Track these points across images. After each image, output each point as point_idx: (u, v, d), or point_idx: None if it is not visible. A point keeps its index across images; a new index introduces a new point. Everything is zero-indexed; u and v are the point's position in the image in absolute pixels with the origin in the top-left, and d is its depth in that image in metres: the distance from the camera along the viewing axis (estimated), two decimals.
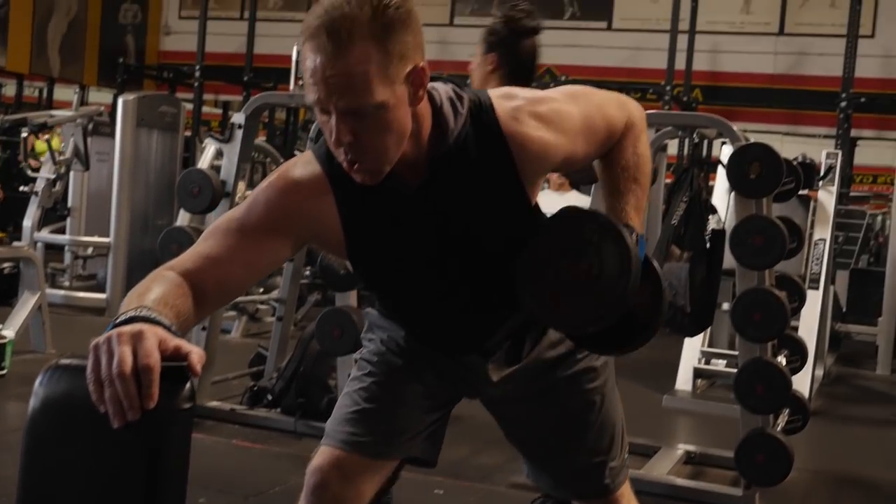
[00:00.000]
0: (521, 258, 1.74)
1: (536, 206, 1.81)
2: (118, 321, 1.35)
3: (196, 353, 1.30)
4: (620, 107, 1.84)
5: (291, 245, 1.70)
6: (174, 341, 1.31)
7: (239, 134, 4.61)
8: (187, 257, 1.61)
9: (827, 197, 6.36)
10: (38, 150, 8.65)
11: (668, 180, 9.39)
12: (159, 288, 1.48)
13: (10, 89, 14.62)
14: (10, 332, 5.39)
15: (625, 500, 2.08)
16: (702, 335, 5.88)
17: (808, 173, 5.18)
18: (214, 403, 4.72)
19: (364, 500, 1.93)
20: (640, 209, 1.81)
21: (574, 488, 2.09)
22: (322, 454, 1.92)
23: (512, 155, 1.69)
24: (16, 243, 6.54)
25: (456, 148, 1.67)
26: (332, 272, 4.35)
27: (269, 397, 4.71)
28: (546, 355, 1.95)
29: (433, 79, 1.69)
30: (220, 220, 1.68)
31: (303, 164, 1.70)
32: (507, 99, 1.72)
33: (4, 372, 5.27)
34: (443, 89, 1.69)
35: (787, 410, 4.20)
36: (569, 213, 1.76)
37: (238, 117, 4.69)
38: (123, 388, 1.24)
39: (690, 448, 4.52)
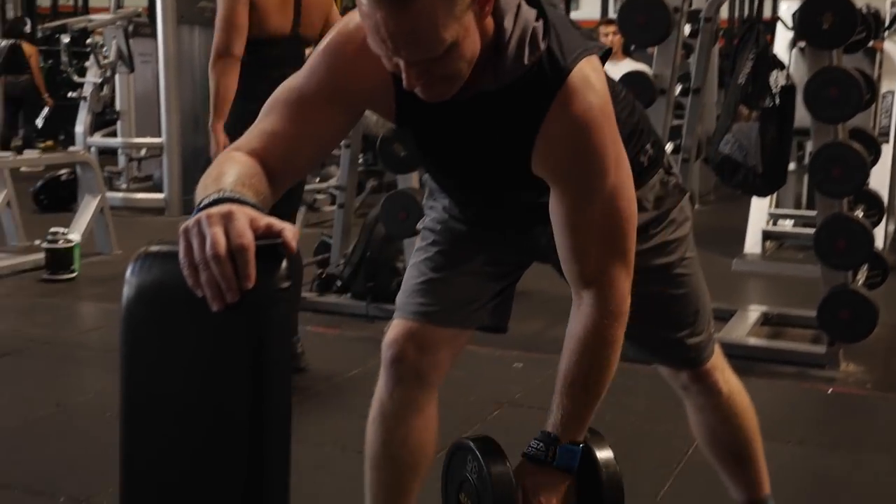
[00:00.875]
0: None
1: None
2: (202, 205, 1.29)
3: (290, 230, 1.25)
4: (626, 264, 1.62)
5: (352, 113, 1.63)
6: (265, 219, 1.26)
7: None
8: (251, 137, 1.55)
9: (893, 48, 6.12)
10: None
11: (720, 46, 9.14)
12: (233, 170, 1.42)
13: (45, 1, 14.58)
14: (76, 236, 5.43)
15: (717, 371, 2.02)
16: (769, 197, 5.76)
17: (876, 23, 4.98)
18: None
19: (442, 369, 1.91)
20: (581, 417, 1.60)
21: (660, 360, 2.05)
22: (395, 327, 1.89)
23: (541, 126, 1.54)
24: (71, 148, 6.53)
25: (504, 87, 1.54)
26: (393, 155, 4.29)
27: (339, 283, 4.70)
28: None
29: (532, 2, 1.56)
30: (279, 91, 1.60)
31: (356, 24, 1.58)
32: (590, 90, 1.53)
33: (75, 274, 5.32)
34: (521, 27, 1.52)
35: (867, 266, 4.11)
36: (465, 441, 1.63)
37: None
38: (220, 270, 1.19)
39: (766, 309, 4.45)
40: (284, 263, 1.25)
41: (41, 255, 5.36)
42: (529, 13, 1.53)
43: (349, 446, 1.96)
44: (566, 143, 1.54)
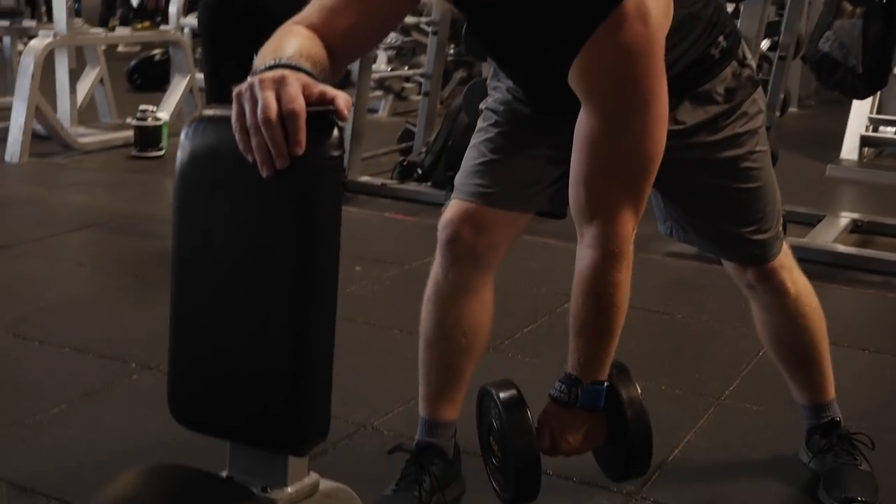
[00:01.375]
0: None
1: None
2: (258, 70, 1.27)
3: (342, 98, 1.22)
4: (635, 210, 1.55)
5: None
6: (318, 86, 1.23)
7: None
8: (311, 11, 1.51)
9: None
10: None
11: None
12: (293, 40, 1.40)
13: None
14: (164, 114, 5.49)
15: (785, 270, 1.96)
16: (870, 100, 5.52)
17: None
18: (365, 178, 4.74)
19: (499, 253, 1.89)
20: (598, 359, 1.58)
21: (725, 255, 1.99)
22: (452, 207, 1.87)
23: (578, 53, 1.49)
24: (163, 27, 6.57)
25: None
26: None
27: (419, 171, 4.69)
28: (684, 119, 1.78)
29: None
30: None
31: None
32: (639, 15, 1.46)
33: (163, 153, 5.41)
34: None
35: None
36: (487, 388, 1.65)
37: None
38: (270, 135, 1.18)
39: (857, 216, 4.31)
40: (336, 131, 1.23)
41: (131, 133, 5.45)
42: None
43: (415, 331, 1.95)
44: (605, 68, 1.49)
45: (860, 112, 5.67)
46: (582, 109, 1.55)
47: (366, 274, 3.46)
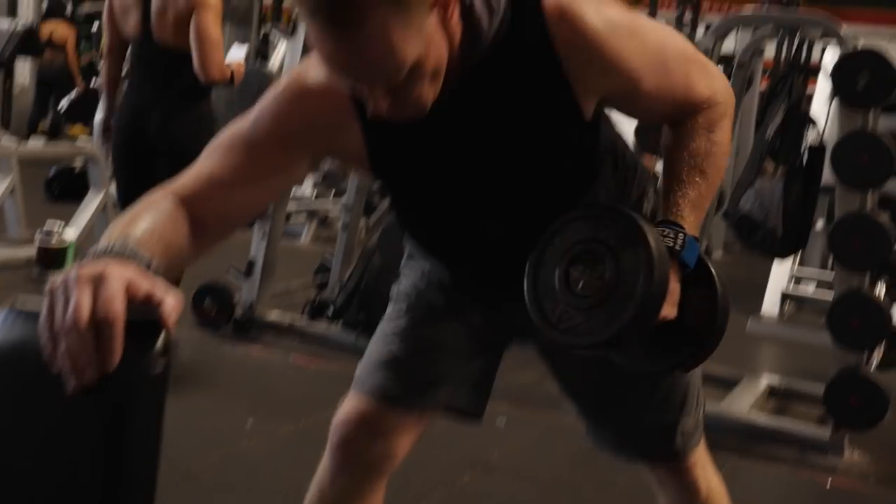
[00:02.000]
0: (529, 261, 1.46)
1: (599, 120, 1.49)
2: (87, 256, 1.13)
3: (171, 302, 1.06)
4: (708, 75, 1.51)
5: (307, 160, 1.45)
6: (147, 285, 1.06)
7: (302, 27, 4.33)
8: (187, 179, 1.37)
9: None
10: (102, 45, 8.45)
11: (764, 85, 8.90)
12: (149, 216, 1.26)
13: None
14: (72, 234, 5.28)
15: (698, 468, 1.80)
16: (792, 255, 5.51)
17: None
18: (274, 316, 4.55)
19: (395, 460, 1.69)
20: (699, 207, 1.48)
21: (639, 451, 1.82)
22: (349, 403, 1.67)
23: (559, 59, 1.37)
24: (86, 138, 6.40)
25: (492, 50, 1.36)
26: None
27: (330, 311, 4.52)
28: None
29: None
30: (225, 133, 1.42)
31: (317, 67, 1.41)
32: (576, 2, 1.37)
33: None
34: None
35: (883, 344, 3.86)
36: (585, 208, 1.46)
37: None
38: (78, 344, 1.01)
39: (775, 380, 4.21)
40: (159, 343, 1.06)
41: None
42: None
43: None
44: (609, 35, 1.37)
45: (782, 268, 5.65)
46: (629, 98, 1.47)
47: (257, 429, 3.25)
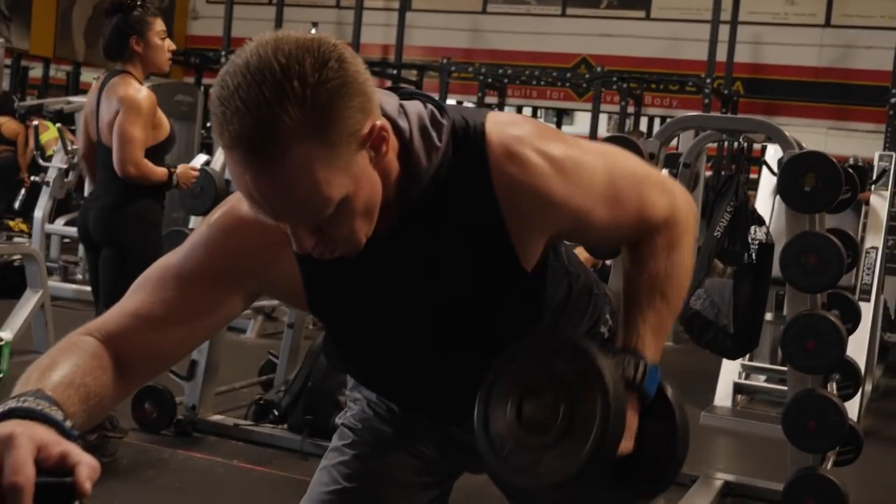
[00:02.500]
0: (479, 393, 1.37)
1: (541, 268, 1.42)
2: None
3: (86, 466, 0.97)
4: (665, 191, 1.45)
5: (241, 297, 1.38)
6: (60, 447, 0.99)
7: None
8: (112, 317, 1.30)
9: (880, 202, 5.94)
10: (41, 140, 8.35)
11: (708, 173, 9.06)
12: (68, 362, 1.18)
13: (37, 71, 14.44)
14: (7, 334, 5.12)
15: None
16: None
17: (860, 176, 4.81)
18: (217, 417, 4.42)
19: None
20: (660, 332, 1.43)
21: None
22: None
23: (499, 202, 1.31)
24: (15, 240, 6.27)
25: (431, 189, 1.30)
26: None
27: (276, 413, 4.39)
28: None
29: (410, 95, 1.35)
30: (153, 267, 1.35)
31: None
32: (509, 125, 1.33)
33: (1, 376, 4.99)
34: (416, 114, 1.31)
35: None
36: (543, 336, 1.40)
37: None
38: None
39: (730, 478, 4.15)
40: None
41: None
42: (414, 105, 1.32)
43: None
44: (552, 182, 1.31)
45: (739, 358, 5.64)
46: (579, 231, 1.42)
47: None
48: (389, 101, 1.31)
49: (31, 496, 0.94)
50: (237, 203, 1.35)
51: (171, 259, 1.35)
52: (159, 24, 3.78)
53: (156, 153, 3.84)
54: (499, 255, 1.35)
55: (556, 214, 1.33)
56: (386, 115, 1.27)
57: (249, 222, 1.31)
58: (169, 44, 3.82)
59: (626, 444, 1.34)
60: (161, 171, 3.82)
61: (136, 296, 1.32)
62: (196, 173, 4.00)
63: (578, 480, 1.30)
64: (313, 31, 3.96)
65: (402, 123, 1.29)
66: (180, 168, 3.89)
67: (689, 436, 1.42)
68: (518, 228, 1.33)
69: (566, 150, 1.33)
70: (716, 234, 3.88)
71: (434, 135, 1.30)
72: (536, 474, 1.32)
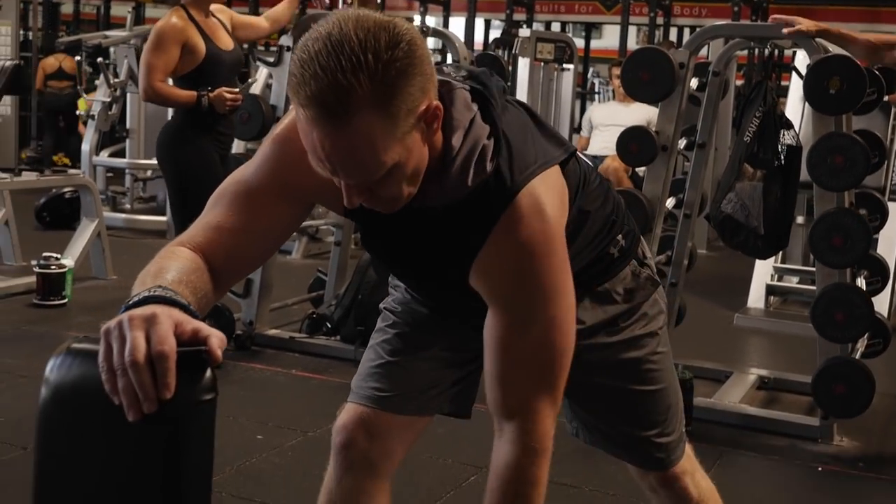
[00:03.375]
0: None
1: None
2: (130, 303, 1.23)
3: (216, 337, 1.18)
4: (553, 402, 1.54)
5: (302, 204, 1.56)
6: (192, 324, 1.19)
7: (288, 56, 4.44)
8: (197, 230, 1.48)
9: None
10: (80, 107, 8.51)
11: (739, 82, 9.08)
12: (173, 265, 1.37)
13: (68, 7, 14.59)
14: (69, 261, 5.37)
15: (687, 476, 1.94)
16: None
17: (889, 78, 4.88)
18: (273, 331, 4.66)
19: (395, 458, 1.83)
20: None
21: (628, 458, 1.96)
22: (347, 412, 1.82)
23: (478, 255, 1.49)
24: (70, 172, 6.49)
25: (465, 195, 1.47)
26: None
27: (328, 325, 4.62)
28: (583, 319, 1.75)
29: (503, 106, 1.51)
30: (227, 182, 1.54)
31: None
32: (538, 213, 1.46)
33: (66, 301, 5.26)
34: (476, 140, 1.45)
35: (867, 334, 4.00)
36: None
37: (286, 39, 4.52)
38: (137, 378, 1.13)
39: (764, 373, 4.35)
40: (208, 373, 1.17)
41: (34, 279, 5.30)
42: (481, 130, 1.46)
43: None
44: (506, 267, 1.48)
45: (765, 262, 5.79)
46: (489, 309, 1.53)
47: (267, 443, 3.35)
48: (464, 96, 1.46)
49: (174, 361, 1.14)
50: (292, 121, 1.50)
51: (242, 173, 1.53)
52: None
53: (192, 78, 4.11)
54: (459, 268, 1.52)
55: (497, 290, 1.51)
56: (449, 123, 1.43)
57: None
58: None
59: None
60: (185, 94, 4.10)
61: (215, 209, 1.50)
62: (231, 96, 4.16)
63: None
64: None
65: (455, 143, 1.44)
66: (216, 92, 4.09)
67: None
68: (478, 268, 1.50)
69: (549, 268, 1.48)
70: (745, 139, 3.99)
71: (471, 174, 1.44)
72: None
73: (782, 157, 3.90)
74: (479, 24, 12.21)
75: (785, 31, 3.57)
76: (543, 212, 1.46)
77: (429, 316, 1.82)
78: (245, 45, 5.16)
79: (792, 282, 6.07)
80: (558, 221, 1.50)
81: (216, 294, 1.46)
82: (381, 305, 1.91)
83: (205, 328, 1.19)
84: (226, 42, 4.23)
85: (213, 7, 4.20)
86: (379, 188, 1.38)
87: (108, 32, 9.30)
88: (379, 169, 1.34)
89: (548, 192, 1.48)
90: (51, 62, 10.83)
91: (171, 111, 4.60)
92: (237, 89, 4.25)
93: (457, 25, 11.31)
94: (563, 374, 1.54)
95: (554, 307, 1.50)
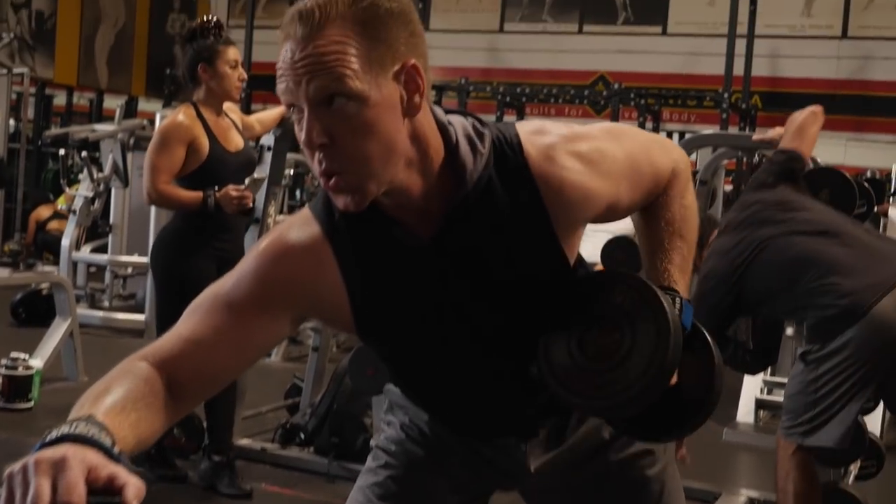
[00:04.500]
0: (549, 327, 1.49)
1: (578, 262, 1.55)
2: (45, 441, 1.11)
3: (133, 487, 1.05)
4: (666, 151, 1.60)
5: (289, 321, 1.44)
6: (108, 469, 1.06)
7: (268, 156, 4.37)
8: (165, 341, 1.37)
9: None
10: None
11: (728, 187, 9.11)
12: (121, 388, 1.25)
13: (60, 99, 14.67)
14: (38, 362, 5.21)
15: None
16: None
17: (877, 190, 4.84)
18: (245, 441, 4.49)
19: None
20: (686, 270, 1.56)
21: None
22: None
23: (544, 202, 1.43)
24: (40, 269, 6.38)
25: (476, 193, 1.40)
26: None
27: (302, 436, 4.46)
28: (595, 434, 1.67)
29: (450, 112, 1.44)
30: (205, 294, 1.42)
31: (299, 226, 1.44)
32: (538, 135, 1.46)
33: (32, 404, 5.08)
34: (460, 124, 1.43)
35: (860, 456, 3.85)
36: (597, 275, 1.54)
37: (267, 139, 4.45)
38: None
39: (754, 494, 4.18)
40: None
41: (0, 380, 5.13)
42: (457, 117, 1.44)
43: None
44: (588, 177, 1.45)
45: (755, 375, 5.66)
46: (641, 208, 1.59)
47: None
48: (437, 109, 1.42)
49: None
50: (284, 231, 1.43)
51: (221, 286, 1.41)
52: (231, 53, 3.83)
53: (195, 178, 3.83)
54: (546, 249, 1.46)
55: (594, 203, 1.46)
56: (436, 120, 1.39)
57: (296, 250, 1.40)
58: (241, 73, 3.87)
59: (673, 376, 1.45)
60: (190, 196, 3.79)
61: (188, 321, 1.38)
62: (237, 194, 3.82)
63: (634, 403, 1.41)
64: None
65: (450, 129, 1.40)
66: (222, 191, 3.80)
67: (724, 372, 1.51)
68: (562, 222, 1.45)
69: (590, 145, 1.47)
70: None
71: (478, 142, 1.41)
72: (596, 398, 1.44)
73: None
74: None
75: (755, 138, 3.55)
76: (545, 129, 1.47)
77: (425, 457, 1.68)
78: None
79: (782, 396, 5.92)
80: (559, 125, 1.51)
81: (171, 417, 1.34)
82: (373, 443, 1.76)
83: (122, 475, 1.05)
84: (236, 143, 3.99)
85: (227, 106, 3.98)
86: (340, 129, 1.29)
87: (96, 126, 9.28)
88: (344, 79, 1.27)
89: (534, 124, 1.49)
90: (43, 213, 10.67)
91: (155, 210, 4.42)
92: (244, 187, 3.98)
93: None
94: (664, 143, 1.65)
95: (619, 149, 1.51)
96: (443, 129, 1.39)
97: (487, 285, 1.46)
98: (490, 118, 11.58)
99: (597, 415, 1.55)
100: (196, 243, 3.87)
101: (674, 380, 1.45)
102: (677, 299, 1.47)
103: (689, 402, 1.49)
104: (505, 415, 1.62)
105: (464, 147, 1.39)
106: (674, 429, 1.54)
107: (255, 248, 1.44)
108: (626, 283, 1.46)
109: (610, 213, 1.53)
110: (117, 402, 1.22)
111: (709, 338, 1.50)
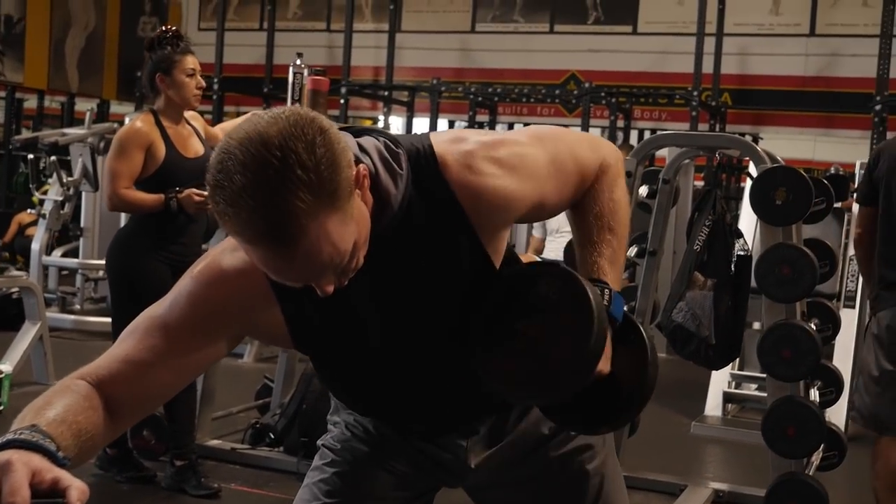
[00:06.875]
0: (473, 320, 1.53)
1: (509, 258, 1.58)
2: None
3: (76, 489, 1.08)
4: (593, 148, 1.63)
5: (225, 342, 1.47)
6: (53, 473, 1.09)
7: None
8: (104, 360, 1.40)
9: None
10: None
11: (699, 183, 9.16)
12: (61, 402, 1.28)
13: (32, 103, 14.58)
14: (7, 366, 5.21)
15: None
16: None
17: (839, 186, 4.89)
18: (215, 442, 4.50)
19: None
20: (616, 262, 1.60)
21: None
22: None
23: (465, 211, 1.46)
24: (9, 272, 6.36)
25: (400, 214, 1.44)
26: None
27: (272, 436, 4.47)
28: (534, 430, 1.71)
29: (359, 133, 1.47)
30: (141, 316, 1.45)
31: (232, 249, 1.46)
32: (456, 143, 1.48)
33: (1, 409, 5.08)
34: (374, 148, 1.45)
35: (822, 445, 3.91)
36: (525, 266, 1.56)
37: None
38: None
39: (720, 486, 4.24)
40: None
41: None
42: (368, 140, 1.46)
43: None
44: (508, 181, 1.47)
45: (722, 368, 5.72)
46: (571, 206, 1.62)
47: None
48: (351, 140, 1.43)
49: None
50: (218, 255, 1.46)
51: (157, 309, 1.44)
52: (189, 62, 3.88)
53: (151, 183, 3.88)
54: (471, 255, 1.49)
55: (516, 206, 1.49)
56: (355, 156, 1.38)
57: (230, 273, 1.43)
58: (198, 81, 3.91)
59: (604, 365, 1.48)
60: (151, 198, 3.85)
61: (125, 343, 1.41)
62: (200, 199, 3.85)
63: (567, 385, 1.45)
64: (298, 61, 3.98)
65: (366, 160, 1.41)
66: (185, 192, 3.85)
67: (657, 363, 1.54)
68: (484, 227, 1.48)
69: (510, 150, 1.49)
70: (695, 248, 3.96)
71: (394, 163, 1.44)
72: (523, 385, 1.48)
73: (732, 266, 3.87)
74: (443, 125, 12.32)
75: None
76: (459, 136, 1.49)
77: (370, 454, 1.71)
78: None
79: (750, 388, 5.99)
80: (475, 131, 1.54)
81: (109, 434, 1.37)
82: (320, 442, 1.79)
83: (65, 478, 1.09)
84: (195, 149, 4.01)
85: (188, 114, 4.05)
86: (345, 268, 1.34)
87: (65, 130, 9.23)
88: (344, 258, 1.31)
89: (447, 132, 1.52)
90: (26, 218, 10.59)
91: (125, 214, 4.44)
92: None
93: (421, 127, 11.38)
94: (583, 139, 1.66)
95: (537, 147, 1.54)
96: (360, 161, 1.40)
97: (418, 297, 1.50)
98: (462, 118, 11.53)
99: (529, 402, 1.60)
100: (149, 246, 3.91)
101: (607, 369, 1.49)
102: (606, 290, 1.51)
103: (625, 393, 1.53)
104: (443, 415, 1.66)
105: (382, 173, 1.43)
106: (609, 420, 1.57)
107: (191, 271, 1.47)
108: (552, 274, 1.50)
109: (537, 213, 1.57)
110: (59, 414, 1.26)
111: (642, 330, 1.55)
